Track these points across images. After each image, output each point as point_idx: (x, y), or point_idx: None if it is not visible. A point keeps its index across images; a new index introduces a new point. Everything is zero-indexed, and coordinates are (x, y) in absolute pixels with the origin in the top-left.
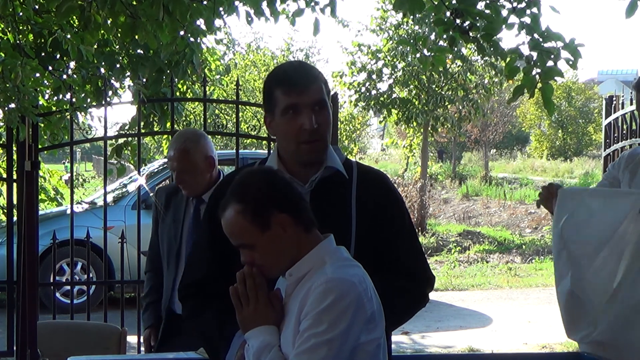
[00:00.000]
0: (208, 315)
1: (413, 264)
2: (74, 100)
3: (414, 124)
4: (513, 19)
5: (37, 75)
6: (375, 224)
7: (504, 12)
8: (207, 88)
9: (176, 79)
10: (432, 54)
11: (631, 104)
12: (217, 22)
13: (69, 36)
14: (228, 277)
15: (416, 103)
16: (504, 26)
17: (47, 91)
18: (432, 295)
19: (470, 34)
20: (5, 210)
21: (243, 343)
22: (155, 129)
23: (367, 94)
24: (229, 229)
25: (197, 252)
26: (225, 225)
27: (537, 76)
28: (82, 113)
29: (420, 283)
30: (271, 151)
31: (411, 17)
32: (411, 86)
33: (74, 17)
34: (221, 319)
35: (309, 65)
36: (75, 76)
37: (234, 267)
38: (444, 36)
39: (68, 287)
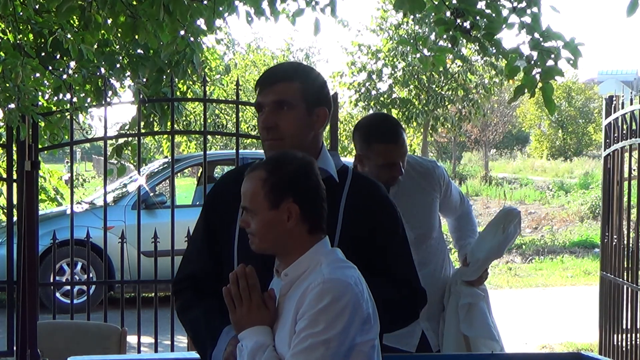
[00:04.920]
0: (197, 311)
1: (403, 273)
2: (74, 100)
3: (414, 124)
4: (513, 18)
5: (38, 75)
6: (365, 231)
7: (505, 12)
8: (207, 88)
9: (176, 79)
10: (433, 54)
11: (631, 103)
12: (218, 22)
13: (69, 36)
14: (222, 274)
15: (416, 103)
16: (504, 26)
17: (48, 91)
18: None
19: (472, 33)
20: (5, 210)
21: (232, 340)
22: (156, 129)
23: (367, 94)
24: (245, 188)
25: (193, 247)
26: (244, 182)
27: (538, 76)
28: (82, 113)
29: (414, 296)
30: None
31: (411, 17)
32: (411, 86)
33: (75, 17)
34: (210, 315)
35: (293, 65)
36: (75, 76)
37: (228, 264)
38: (445, 36)
39: (68, 287)
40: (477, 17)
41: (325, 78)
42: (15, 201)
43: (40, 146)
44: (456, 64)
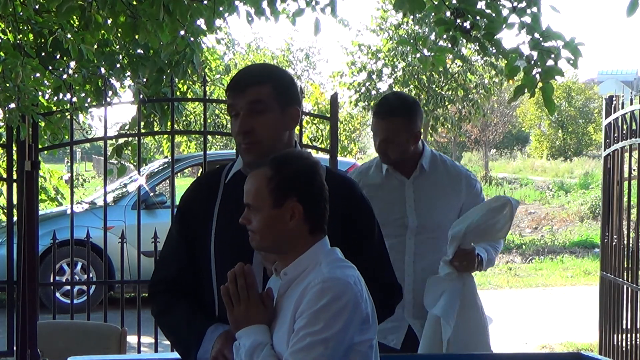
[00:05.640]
0: (177, 312)
1: (378, 270)
2: (74, 100)
3: None
4: (513, 18)
5: (38, 75)
6: (340, 230)
7: (505, 12)
8: (207, 88)
9: (176, 79)
10: (432, 54)
11: (631, 103)
12: (218, 22)
13: (69, 36)
14: (198, 274)
15: None
16: (504, 26)
17: (48, 91)
18: None
19: (472, 33)
20: (5, 210)
21: (219, 339)
22: (156, 129)
23: (367, 94)
24: (249, 186)
25: (168, 248)
26: (248, 179)
27: (538, 76)
28: (83, 113)
29: (390, 292)
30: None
31: (411, 17)
32: (411, 86)
33: (75, 17)
34: (191, 315)
35: (262, 67)
36: (75, 76)
37: (203, 264)
38: (445, 36)
39: (68, 287)
40: (477, 17)
41: (292, 76)
42: (15, 201)
43: (40, 146)
44: (456, 64)
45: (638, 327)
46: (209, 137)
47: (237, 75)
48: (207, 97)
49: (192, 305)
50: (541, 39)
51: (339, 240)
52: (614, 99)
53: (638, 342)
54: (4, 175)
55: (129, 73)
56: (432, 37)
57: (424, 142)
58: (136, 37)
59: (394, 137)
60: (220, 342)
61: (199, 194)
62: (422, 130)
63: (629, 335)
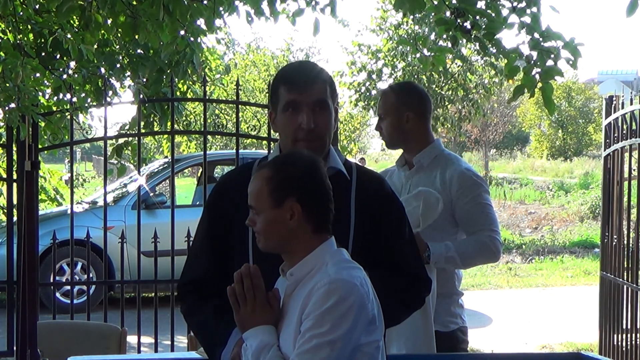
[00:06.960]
0: (205, 313)
1: (412, 266)
2: (74, 100)
3: None
4: (513, 18)
5: (38, 75)
6: (375, 225)
7: (504, 12)
8: (207, 88)
9: (176, 79)
10: (432, 54)
11: (631, 103)
12: (218, 22)
13: (69, 36)
14: (226, 274)
15: None
16: (504, 26)
17: (48, 91)
18: None
19: (472, 33)
20: (5, 210)
21: (240, 341)
22: (156, 129)
23: (367, 93)
24: (251, 188)
25: (195, 252)
26: (251, 182)
27: (537, 76)
28: (83, 113)
29: (417, 284)
30: (271, 151)
31: (411, 17)
32: None
33: (75, 17)
34: (218, 316)
35: (317, 66)
36: (75, 76)
37: (232, 263)
38: (445, 36)
39: (68, 287)
40: (477, 17)
41: None
42: (15, 201)
43: (40, 146)
44: (456, 64)
45: (638, 327)
46: (209, 137)
47: (301, 70)
48: (207, 97)
49: (220, 305)
50: (541, 39)
51: (374, 233)
52: (614, 99)
53: (638, 342)
54: (4, 175)
55: (129, 73)
56: (432, 37)
57: (439, 141)
58: (136, 37)
59: (385, 115)
60: (239, 345)
61: (230, 193)
62: (429, 121)
63: (629, 335)
